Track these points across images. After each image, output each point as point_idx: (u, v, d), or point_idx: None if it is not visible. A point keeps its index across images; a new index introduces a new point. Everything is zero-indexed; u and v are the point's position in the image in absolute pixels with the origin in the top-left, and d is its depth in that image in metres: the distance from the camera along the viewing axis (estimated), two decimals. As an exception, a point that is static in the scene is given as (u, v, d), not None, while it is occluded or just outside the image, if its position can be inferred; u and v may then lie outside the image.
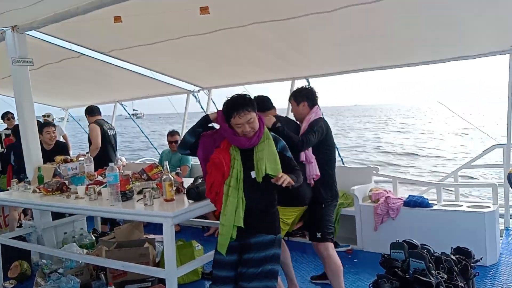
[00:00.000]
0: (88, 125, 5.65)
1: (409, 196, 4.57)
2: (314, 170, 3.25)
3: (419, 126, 41.09)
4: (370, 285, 2.67)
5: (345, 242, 4.74)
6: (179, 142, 2.83)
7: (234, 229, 2.57)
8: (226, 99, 2.62)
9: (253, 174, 2.58)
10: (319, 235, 3.28)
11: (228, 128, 2.61)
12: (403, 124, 44.54)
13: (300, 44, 4.94)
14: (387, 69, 5.70)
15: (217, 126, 2.78)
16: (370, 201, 4.73)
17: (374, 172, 5.10)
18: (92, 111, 5.69)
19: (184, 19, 4.27)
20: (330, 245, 3.31)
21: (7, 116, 7.35)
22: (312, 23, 4.22)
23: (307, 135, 3.18)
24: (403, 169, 17.11)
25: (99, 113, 5.71)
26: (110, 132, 5.65)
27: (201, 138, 2.75)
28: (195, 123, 2.80)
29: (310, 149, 3.24)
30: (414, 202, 4.42)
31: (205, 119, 2.77)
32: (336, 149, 3.61)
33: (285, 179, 2.42)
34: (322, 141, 3.27)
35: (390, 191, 4.79)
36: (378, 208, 4.48)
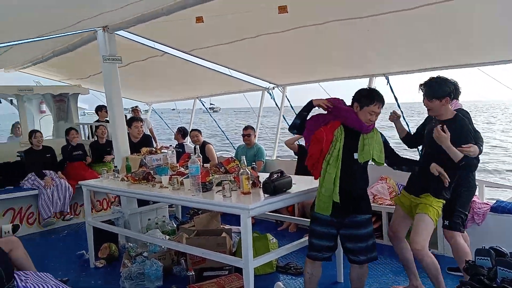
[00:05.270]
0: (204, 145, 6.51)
1: (497, 201, 4.27)
2: None
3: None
4: (452, 291, 2.56)
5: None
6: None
7: (331, 202, 2.88)
8: (364, 88, 3.02)
9: (355, 155, 2.91)
10: (446, 222, 3.32)
11: (352, 111, 2.92)
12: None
13: (377, 41, 4.80)
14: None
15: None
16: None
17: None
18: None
19: (262, 18, 4.35)
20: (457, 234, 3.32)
21: (102, 109, 7.87)
22: (391, 21, 4.09)
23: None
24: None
25: None
26: None
27: (307, 121, 3.04)
28: (302, 107, 3.11)
29: None
30: (503, 208, 4.12)
31: (310, 104, 3.05)
32: None
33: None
34: None
35: (476, 195, 4.50)
36: (462, 213, 4.23)
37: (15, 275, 2.86)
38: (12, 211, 5.92)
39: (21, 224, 5.84)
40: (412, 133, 3.61)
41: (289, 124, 3.23)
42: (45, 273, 3.08)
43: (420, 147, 4.17)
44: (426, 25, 4.12)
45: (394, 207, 4.62)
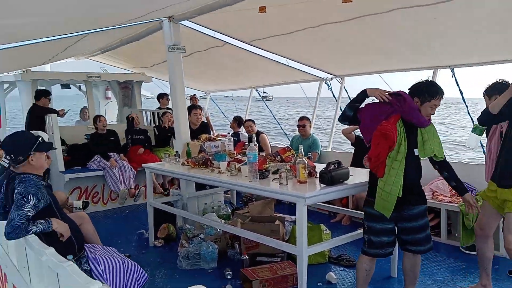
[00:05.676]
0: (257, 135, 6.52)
1: None
2: None
3: None
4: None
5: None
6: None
7: (395, 201, 2.78)
8: (423, 82, 2.91)
9: (416, 151, 2.84)
10: None
11: (417, 107, 2.82)
12: None
13: (444, 30, 4.59)
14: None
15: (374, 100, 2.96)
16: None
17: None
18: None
19: (325, 8, 4.30)
20: None
21: (163, 97, 8.19)
22: (461, 7, 3.89)
23: None
24: None
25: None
26: None
27: (360, 112, 2.95)
28: (354, 97, 3.01)
29: None
30: None
31: (364, 93, 2.95)
32: None
33: None
34: None
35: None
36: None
37: (85, 246, 3.09)
38: (78, 190, 6.35)
39: (87, 202, 6.25)
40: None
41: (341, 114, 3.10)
42: (110, 247, 3.30)
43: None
44: (502, 10, 3.85)
45: (454, 204, 4.48)
